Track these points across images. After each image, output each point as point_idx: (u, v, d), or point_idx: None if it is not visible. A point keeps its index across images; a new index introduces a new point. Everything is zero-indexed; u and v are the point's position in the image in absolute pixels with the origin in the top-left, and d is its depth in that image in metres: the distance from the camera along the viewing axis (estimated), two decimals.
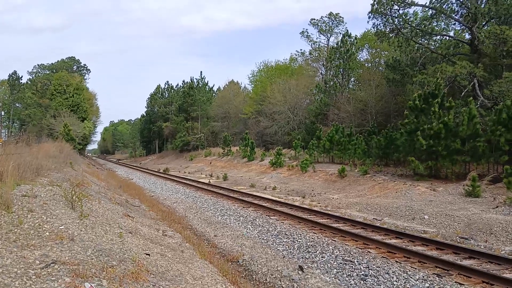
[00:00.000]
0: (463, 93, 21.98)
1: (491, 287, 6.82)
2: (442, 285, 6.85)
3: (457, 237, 10.35)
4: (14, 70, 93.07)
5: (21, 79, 78.60)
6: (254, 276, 7.68)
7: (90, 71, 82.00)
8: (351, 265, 8.01)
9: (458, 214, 12.26)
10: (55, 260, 4.31)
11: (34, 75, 77.27)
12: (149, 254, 6.06)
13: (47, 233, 5.23)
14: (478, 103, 20.43)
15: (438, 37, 27.88)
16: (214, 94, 70.54)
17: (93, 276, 4.18)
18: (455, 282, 7.03)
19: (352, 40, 39.55)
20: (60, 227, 5.58)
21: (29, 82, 75.15)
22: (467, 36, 25.87)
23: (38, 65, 79.52)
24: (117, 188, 19.01)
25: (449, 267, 7.68)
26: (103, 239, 5.89)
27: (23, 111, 71.26)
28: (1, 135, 66.12)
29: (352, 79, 41.88)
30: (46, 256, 4.41)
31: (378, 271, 7.58)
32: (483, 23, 23.18)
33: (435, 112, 18.35)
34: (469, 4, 22.98)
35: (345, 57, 38.84)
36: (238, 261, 8.50)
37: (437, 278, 7.19)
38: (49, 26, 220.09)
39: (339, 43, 40.17)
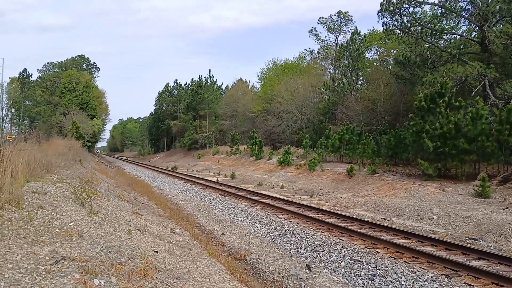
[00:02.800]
0: (473, 93, 21.76)
1: None
2: (451, 286, 6.80)
3: (467, 238, 10.26)
4: (24, 68, 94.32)
5: (31, 77, 79.38)
6: (261, 275, 7.69)
7: (99, 69, 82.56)
8: (359, 264, 7.98)
9: (467, 214, 12.16)
10: (64, 257, 4.35)
11: (43, 73, 77.97)
12: (157, 252, 6.09)
13: (57, 230, 5.28)
14: (489, 103, 20.21)
15: (448, 36, 27.62)
16: (222, 93, 70.64)
17: (102, 273, 4.22)
18: (464, 283, 6.97)
19: (361, 38, 39.31)
20: (69, 224, 5.63)
21: (39, 80, 75.84)
22: (475, 34, 25.62)
23: (47, 63, 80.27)
24: (126, 185, 19.14)
25: (458, 268, 7.61)
26: (112, 236, 5.93)
27: (33, 109, 71.94)
28: (11, 133, 66.81)
29: (360, 78, 41.66)
30: (55, 253, 4.45)
31: (386, 271, 7.55)
32: (494, 22, 22.92)
33: (441, 112, 18.22)
34: (479, 2, 22.74)
35: (354, 55, 38.64)
36: (246, 259, 8.52)
37: (446, 278, 7.14)
38: (58, 25, 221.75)
39: (348, 41, 39.97)
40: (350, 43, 39.13)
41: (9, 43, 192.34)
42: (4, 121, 73.82)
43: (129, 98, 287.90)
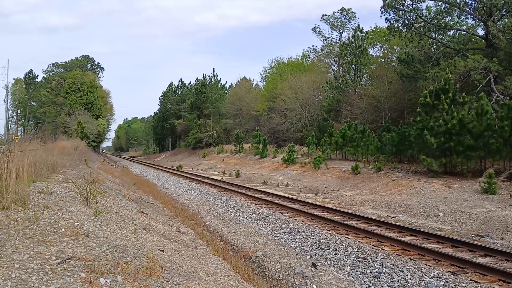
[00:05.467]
0: (478, 88, 21.63)
1: (507, 286, 6.71)
2: (457, 283, 6.77)
3: (473, 235, 10.21)
4: (30, 69, 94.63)
5: (37, 78, 79.80)
6: (267, 273, 7.68)
7: (103, 69, 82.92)
8: (365, 262, 7.96)
9: (473, 211, 12.10)
10: (70, 256, 4.36)
11: (48, 73, 78.36)
12: (163, 250, 6.10)
13: (63, 229, 5.30)
14: (494, 99, 20.08)
15: (452, 31, 27.47)
16: (226, 91, 70.68)
17: (108, 272, 4.23)
18: (471, 280, 6.93)
19: (363, 35, 39.13)
20: (75, 224, 5.65)
21: (44, 81, 76.22)
22: (481, 31, 25.47)
23: (52, 63, 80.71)
24: (131, 185, 19.19)
25: (464, 265, 7.58)
26: (118, 236, 5.95)
27: (38, 109, 72.35)
28: (17, 133, 67.22)
29: (364, 75, 41.53)
30: (62, 252, 4.46)
31: (392, 268, 7.53)
32: (499, 17, 22.75)
33: (444, 109, 18.14)
34: None
35: (357, 52, 38.50)
36: (251, 258, 8.51)
37: (452, 276, 7.11)
38: (63, 26, 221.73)
39: (350, 38, 39.84)
40: (353, 40, 38.98)
41: (15, 45, 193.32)
42: (10, 122, 74.26)
43: (134, 98, 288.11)
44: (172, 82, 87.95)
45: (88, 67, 79.11)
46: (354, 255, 8.43)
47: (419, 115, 19.37)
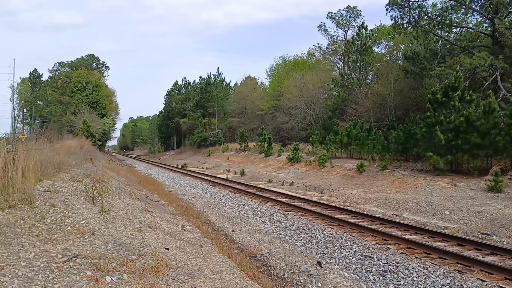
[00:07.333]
0: (484, 86, 21.47)
1: None
2: (463, 282, 6.74)
3: (479, 233, 10.16)
4: (35, 68, 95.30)
5: (42, 77, 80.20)
6: (272, 271, 7.69)
7: (109, 68, 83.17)
8: (370, 261, 7.94)
9: (480, 209, 12.03)
10: (76, 254, 4.39)
11: (54, 72, 78.75)
12: (168, 249, 6.12)
13: (69, 228, 5.33)
14: (500, 96, 19.93)
15: (458, 29, 27.28)
16: (231, 90, 70.66)
17: (114, 270, 4.25)
18: (477, 278, 6.90)
19: (368, 33, 38.90)
20: (81, 222, 5.68)
21: (50, 80, 76.62)
22: (488, 27, 25.25)
23: (58, 62, 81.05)
24: (137, 183, 19.26)
25: (470, 263, 7.54)
26: (123, 234, 5.98)
27: (44, 109, 72.68)
28: (23, 132, 67.57)
29: (370, 73, 41.32)
30: (68, 250, 4.49)
31: (397, 267, 7.50)
32: (505, 14, 22.56)
33: (454, 106, 18.02)
34: None
35: (362, 50, 38.29)
36: (256, 256, 8.52)
37: (458, 274, 7.08)
38: (69, 24, 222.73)
39: (355, 36, 39.66)
40: (357, 37, 38.81)
41: (21, 43, 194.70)
42: (16, 121, 74.70)
43: (139, 97, 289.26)
44: (176, 81, 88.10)
45: (94, 66, 79.37)
46: (360, 253, 8.41)
47: (428, 110, 19.21)
